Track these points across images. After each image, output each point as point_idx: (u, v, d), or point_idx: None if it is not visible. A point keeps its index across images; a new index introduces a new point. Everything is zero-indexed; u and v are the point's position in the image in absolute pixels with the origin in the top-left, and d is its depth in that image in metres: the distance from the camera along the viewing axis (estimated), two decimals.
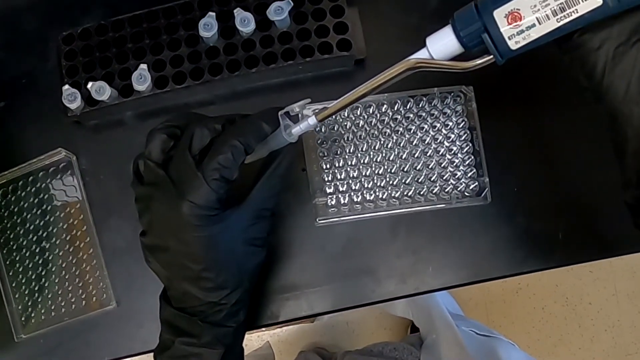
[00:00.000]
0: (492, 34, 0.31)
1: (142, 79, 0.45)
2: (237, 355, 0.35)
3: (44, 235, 0.47)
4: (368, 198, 0.46)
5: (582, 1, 0.29)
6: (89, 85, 0.45)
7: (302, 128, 0.34)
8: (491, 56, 0.32)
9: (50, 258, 0.47)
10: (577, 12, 0.29)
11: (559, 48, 0.32)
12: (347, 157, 0.46)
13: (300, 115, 0.34)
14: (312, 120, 0.34)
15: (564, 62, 0.33)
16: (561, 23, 0.30)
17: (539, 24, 0.30)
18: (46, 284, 0.47)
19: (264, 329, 1.27)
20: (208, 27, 0.44)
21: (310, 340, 1.41)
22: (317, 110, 0.34)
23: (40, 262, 0.47)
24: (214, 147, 0.32)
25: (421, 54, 0.34)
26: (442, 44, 0.33)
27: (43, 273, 0.47)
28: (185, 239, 0.31)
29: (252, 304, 0.45)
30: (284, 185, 0.35)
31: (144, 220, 0.34)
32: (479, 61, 0.32)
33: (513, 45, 0.31)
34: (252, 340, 1.40)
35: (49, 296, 0.47)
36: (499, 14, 0.31)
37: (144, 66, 0.45)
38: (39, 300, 0.47)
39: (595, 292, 1.47)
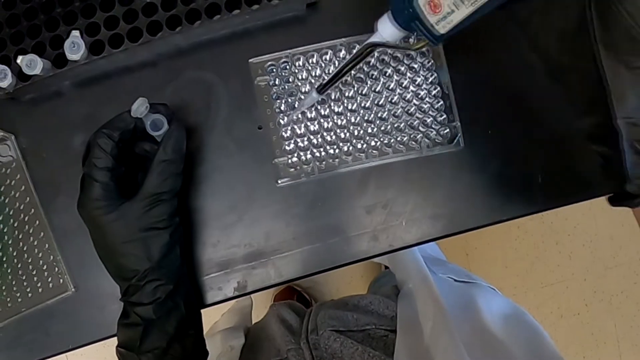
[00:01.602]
0: (421, 22, 0.34)
1: (75, 47, 0.42)
2: (163, 333, 0.37)
3: None
4: (331, 153, 0.43)
5: None
6: (19, 59, 0.41)
7: (308, 102, 0.41)
8: (427, 40, 0.35)
9: None
10: None
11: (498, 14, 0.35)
12: (305, 110, 0.43)
13: (146, 110, 0.37)
14: (315, 94, 0.41)
15: None
16: (472, 8, 0.33)
17: (457, 9, 0.33)
18: None
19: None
20: None
21: None
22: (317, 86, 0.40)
23: None
24: (87, 146, 0.37)
25: (376, 37, 0.37)
26: (388, 30, 0.36)
27: None
28: (94, 230, 0.36)
29: (218, 276, 0.43)
30: (176, 169, 0.37)
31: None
32: (420, 44, 0.37)
33: (442, 29, 0.34)
34: None
35: (3, 287, 0.44)
36: (423, 2, 0.33)
37: (76, 33, 0.42)
38: None
39: (571, 207, 1.46)
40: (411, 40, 0.41)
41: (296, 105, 0.43)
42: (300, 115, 0.43)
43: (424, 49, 0.44)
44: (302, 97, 0.43)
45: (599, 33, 0.38)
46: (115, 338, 0.43)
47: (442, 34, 0.34)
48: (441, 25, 0.34)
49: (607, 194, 0.44)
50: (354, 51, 0.43)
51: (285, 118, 0.43)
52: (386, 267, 1.27)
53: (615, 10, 0.34)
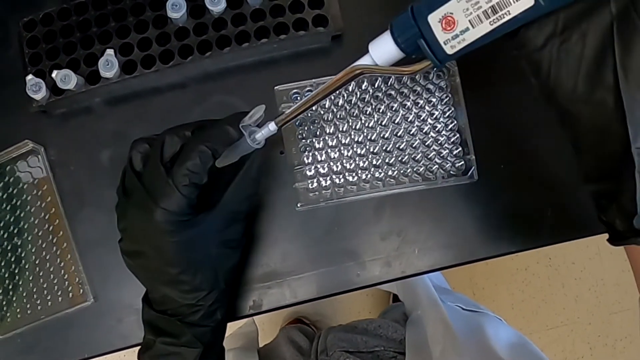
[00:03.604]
0: (428, 40, 0.31)
1: (108, 65, 0.44)
2: (217, 354, 0.36)
3: (15, 231, 0.46)
4: (350, 180, 0.45)
5: (514, 2, 0.29)
6: (54, 74, 0.44)
7: (264, 134, 0.36)
8: (429, 62, 0.33)
9: (23, 255, 0.46)
10: (510, 14, 0.29)
11: (508, 44, 0.32)
12: (326, 138, 0.46)
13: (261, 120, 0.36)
14: (272, 127, 0.36)
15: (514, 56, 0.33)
16: (495, 25, 0.30)
17: (472, 27, 0.30)
18: (20, 282, 0.46)
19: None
20: (177, 7, 0.43)
21: (292, 309, 1.41)
22: (276, 118, 0.36)
23: (12, 259, 0.46)
24: (182, 153, 0.33)
25: (365, 60, 0.34)
26: (383, 51, 0.33)
27: (16, 271, 0.46)
28: (160, 245, 0.33)
29: (234, 294, 0.45)
30: (256, 188, 0.36)
31: (121, 226, 0.36)
32: (419, 67, 0.33)
33: (449, 50, 0.32)
34: None
35: (24, 294, 0.46)
36: (433, 19, 0.31)
37: (110, 51, 0.44)
38: (14, 298, 0.46)
39: (578, 252, 1.50)
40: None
41: (318, 133, 0.45)
42: (322, 143, 0.45)
43: (427, 74, 0.46)
44: (324, 124, 0.46)
45: (619, 57, 0.38)
46: (129, 349, 0.45)
47: (448, 55, 0.32)
48: (450, 45, 0.31)
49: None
50: (370, 89, 0.45)
51: (308, 145, 0.45)
52: (394, 300, 1.28)
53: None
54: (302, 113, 0.36)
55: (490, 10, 0.29)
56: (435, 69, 0.46)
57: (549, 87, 0.30)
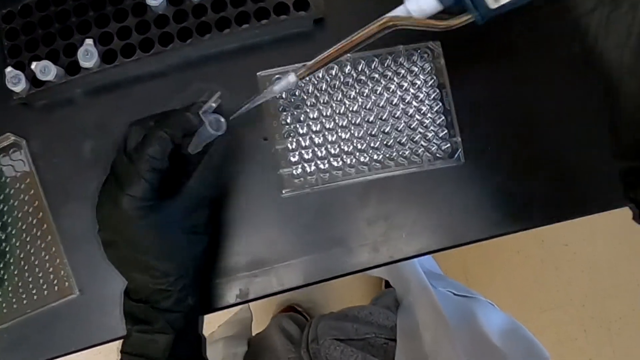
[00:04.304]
0: None
1: (88, 55, 0.44)
2: (190, 342, 0.37)
3: None
4: (335, 165, 0.45)
5: None
6: (33, 65, 0.43)
7: (283, 85, 0.37)
8: (470, 15, 0.31)
9: (7, 249, 0.46)
10: None
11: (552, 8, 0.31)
12: (310, 123, 0.45)
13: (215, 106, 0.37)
14: (292, 78, 0.36)
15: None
16: None
17: None
18: (5, 276, 0.46)
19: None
20: None
21: (284, 296, 1.41)
22: (297, 69, 0.36)
23: None
24: (143, 140, 0.35)
25: (398, 11, 0.33)
26: (421, 1, 0.32)
27: (1, 265, 0.46)
28: (128, 231, 0.34)
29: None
30: (218, 175, 0.38)
31: (97, 217, 0.37)
32: (459, 20, 0.32)
33: (492, 3, 0.31)
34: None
35: (9, 288, 0.46)
36: None
37: (89, 41, 0.44)
38: None
39: (571, 234, 1.50)
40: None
41: (302, 119, 0.45)
42: (305, 128, 0.45)
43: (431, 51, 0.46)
44: (308, 110, 0.45)
45: (630, 42, 0.37)
46: (111, 344, 0.45)
47: (491, 9, 0.31)
48: None
49: (602, 211, 0.46)
50: (353, 73, 0.45)
51: (292, 130, 0.45)
52: (387, 286, 1.28)
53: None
54: (325, 65, 0.36)
55: None
56: (419, 51, 0.46)
57: (594, 54, 0.29)
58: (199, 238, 0.36)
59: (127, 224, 0.34)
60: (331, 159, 0.45)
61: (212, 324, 0.79)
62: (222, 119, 0.38)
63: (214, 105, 0.37)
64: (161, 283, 0.35)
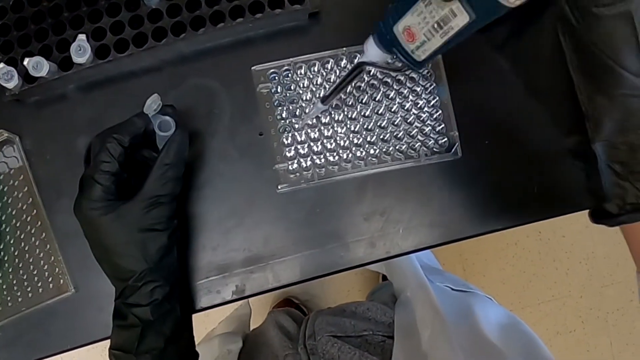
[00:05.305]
0: (399, 49, 0.35)
1: (81, 50, 0.43)
2: (164, 333, 0.38)
3: None
4: (331, 160, 0.45)
5: (453, 18, 0.31)
6: (25, 61, 0.43)
7: (314, 112, 0.44)
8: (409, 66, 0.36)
9: (1, 247, 0.46)
10: (454, 28, 0.32)
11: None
12: (306, 117, 0.45)
13: (158, 108, 0.40)
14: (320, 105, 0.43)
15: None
16: (445, 38, 0.32)
17: (428, 40, 0.33)
18: None
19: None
20: None
21: (281, 289, 1.41)
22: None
23: None
24: (95, 147, 0.38)
25: (365, 57, 0.39)
26: (374, 51, 0.37)
27: None
28: (91, 231, 0.37)
29: (216, 279, 0.44)
30: (177, 172, 0.38)
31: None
32: (406, 68, 0.37)
33: (419, 57, 0.35)
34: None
35: (4, 286, 0.46)
36: (398, 31, 0.34)
37: (82, 36, 0.44)
38: None
39: (569, 225, 1.50)
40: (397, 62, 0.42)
41: (297, 113, 0.45)
42: (301, 123, 0.45)
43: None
44: (304, 104, 0.45)
45: (573, 61, 0.40)
46: (106, 341, 0.45)
47: (422, 60, 0.35)
48: (419, 52, 0.35)
49: (597, 206, 0.45)
50: (349, 67, 0.45)
51: (287, 125, 0.45)
52: (384, 279, 1.29)
53: (585, 40, 0.36)
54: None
55: (436, 25, 0.32)
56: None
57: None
58: (157, 235, 0.37)
59: (89, 225, 0.37)
60: (327, 154, 0.45)
61: (213, 320, 0.80)
62: (170, 119, 0.40)
63: (154, 106, 0.39)
64: (126, 279, 0.37)
